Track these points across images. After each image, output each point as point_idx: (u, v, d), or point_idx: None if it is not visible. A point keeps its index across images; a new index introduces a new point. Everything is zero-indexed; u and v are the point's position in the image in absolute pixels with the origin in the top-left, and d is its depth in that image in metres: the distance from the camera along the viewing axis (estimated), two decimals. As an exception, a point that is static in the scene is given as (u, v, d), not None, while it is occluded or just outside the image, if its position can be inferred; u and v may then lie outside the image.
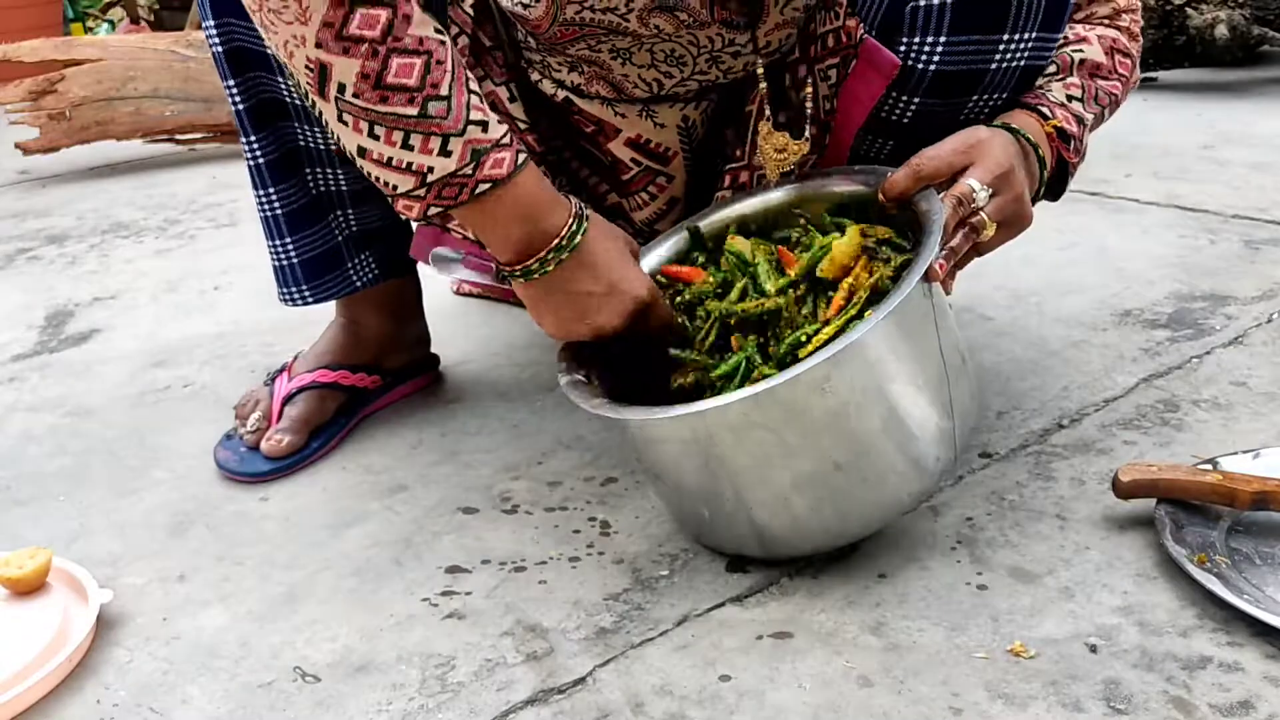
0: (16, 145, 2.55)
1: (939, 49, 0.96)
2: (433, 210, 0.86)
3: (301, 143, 1.08)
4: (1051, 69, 1.03)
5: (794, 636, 0.82)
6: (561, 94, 1.07)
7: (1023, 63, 0.98)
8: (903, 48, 0.97)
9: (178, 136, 2.66)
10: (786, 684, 0.77)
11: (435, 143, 0.82)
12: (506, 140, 0.85)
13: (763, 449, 0.81)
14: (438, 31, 0.82)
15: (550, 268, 0.87)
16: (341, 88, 0.81)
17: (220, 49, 1.02)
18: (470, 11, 1.02)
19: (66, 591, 0.90)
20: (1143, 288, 1.45)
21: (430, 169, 0.83)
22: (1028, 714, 0.73)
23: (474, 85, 0.84)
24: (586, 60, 1.02)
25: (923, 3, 0.94)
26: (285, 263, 1.13)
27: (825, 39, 1.02)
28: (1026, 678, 0.76)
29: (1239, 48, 2.69)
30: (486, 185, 0.84)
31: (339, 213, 1.14)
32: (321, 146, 1.08)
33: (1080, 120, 1.02)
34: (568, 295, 0.89)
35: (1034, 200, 0.99)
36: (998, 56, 0.96)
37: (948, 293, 0.87)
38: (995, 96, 1.00)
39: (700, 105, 1.08)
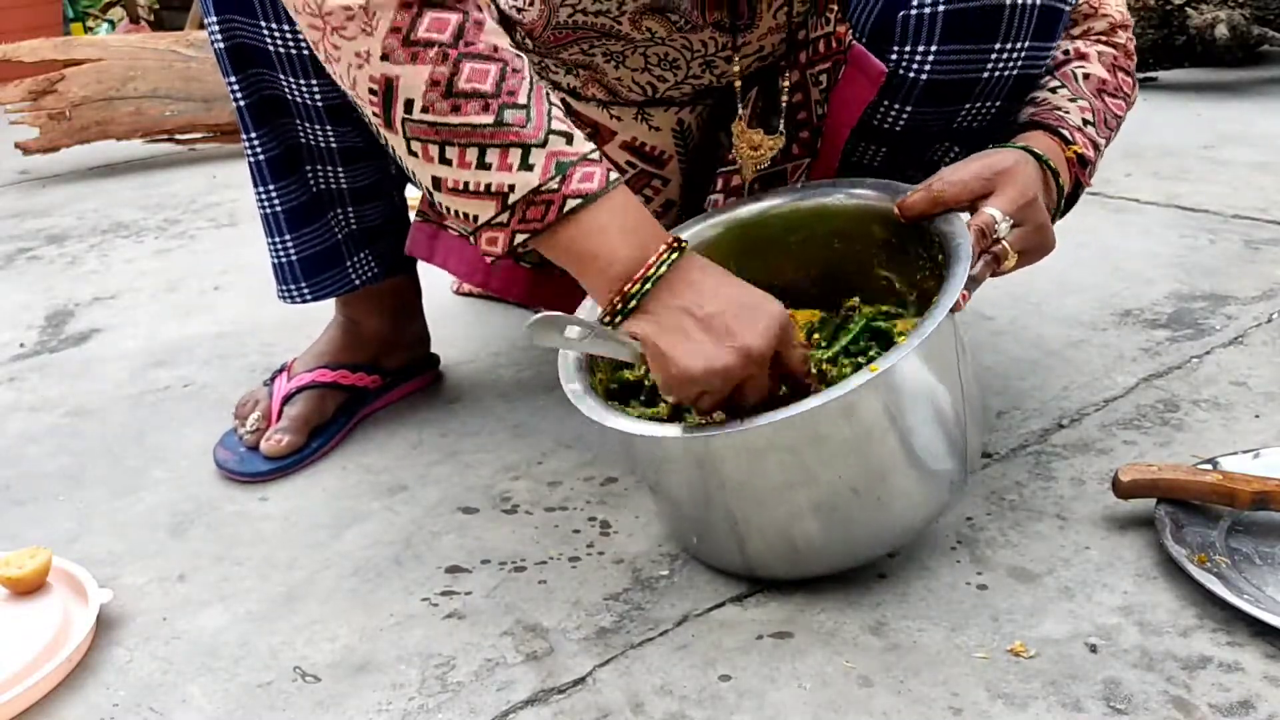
0: (16, 145, 2.55)
1: (930, 58, 0.95)
2: (519, 238, 0.77)
3: (302, 140, 1.08)
4: (1056, 83, 1.02)
5: (794, 636, 0.82)
6: (558, 97, 1.07)
7: (1016, 71, 0.97)
8: (894, 56, 0.97)
9: (178, 136, 2.66)
10: (786, 684, 0.77)
11: (515, 156, 0.75)
12: (595, 156, 0.78)
13: (780, 473, 0.80)
14: (513, 44, 0.78)
15: (649, 287, 0.77)
16: (409, 105, 0.75)
17: (222, 45, 1.02)
18: None
19: (66, 591, 0.90)
20: (1143, 288, 1.45)
21: (512, 186, 0.76)
22: (1028, 714, 0.73)
23: (554, 99, 0.78)
24: (581, 64, 1.02)
25: (914, 11, 0.93)
26: (284, 260, 1.13)
27: (816, 44, 1.02)
28: (1026, 678, 0.76)
29: (1239, 48, 2.69)
30: (576, 201, 0.76)
31: (339, 211, 1.14)
32: (321, 144, 1.08)
33: (1095, 146, 1.00)
34: (694, 321, 0.77)
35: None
36: (990, 65, 0.96)
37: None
38: (989, 105, 1.00)
39: (695, 109, 1.08)
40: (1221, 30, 2.65)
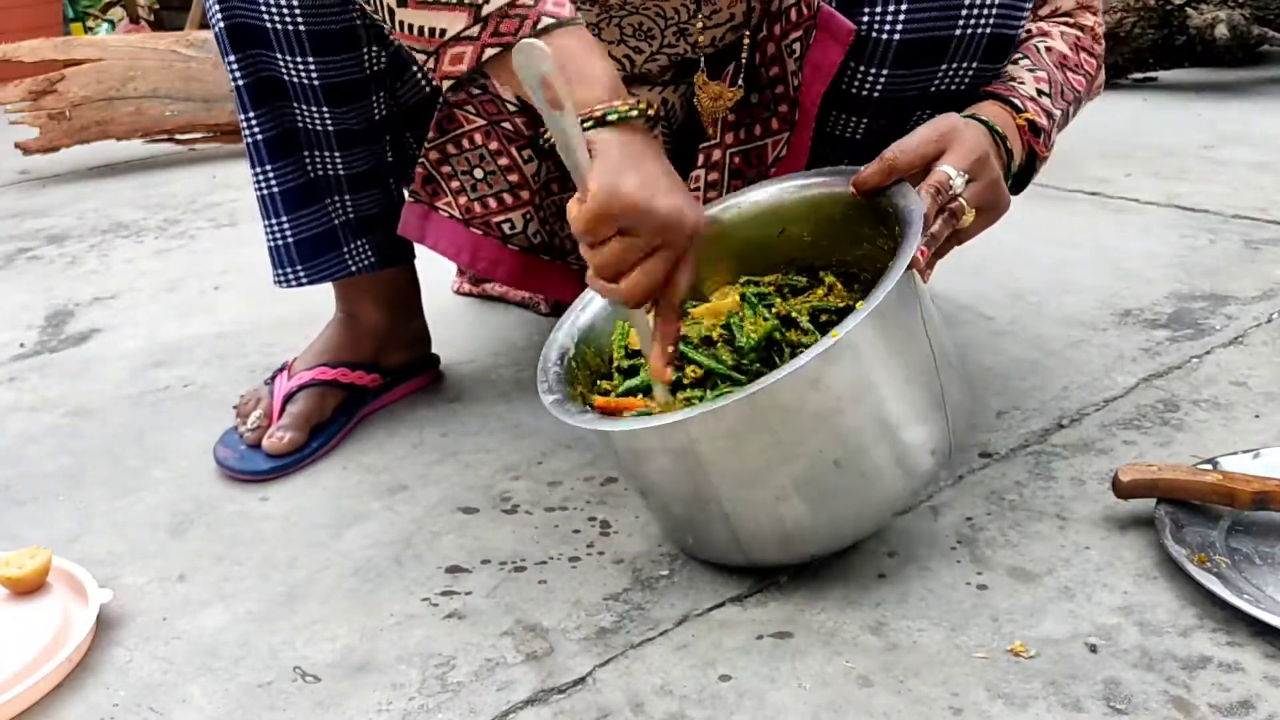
0: (16, 145, 2.55)
1: (901, 17, 0.96)
2: (488, 53, 0.79)
3: (300, 124, 1.09)
4: (1018, 55, 1.04)
5: (794, 636, 0.82)
6: None
7: (989, 29, 0.98)
8: (865, 18, 0.98)
9: (178, 136, 2.66)
10: (786, 684, 0.77)
11: None
12: None
13: (760, 453, 0.80)
14: None
15: (632, 114, 0.79)
16: None
17: (221, 24, 1.02)
18: None
19: (66, 591, 0.90)
20: (1143, 288, 1.45)
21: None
22: (1028, 714, 0.73)
23: None
24: None
25: None
26: (280, 242, 1.13)
27: (789, 13, 1.03)
28: (1026, 678, 0.76)
29: (1239, 48, 2.69)
30: (550, 20, 0.79)
31: (335, 197, 1.14)
32: (318, 127, 1.09)
33: (1049, 115, 1.01)
34: (651, 164, 0.79)
35: None
36: (961, 22, 0.97)
37: (925, 281, 0.86)
38: (964, 65, 1.00)
39: (678, 89, 1.09)
40: (1221, 30, 2.65)
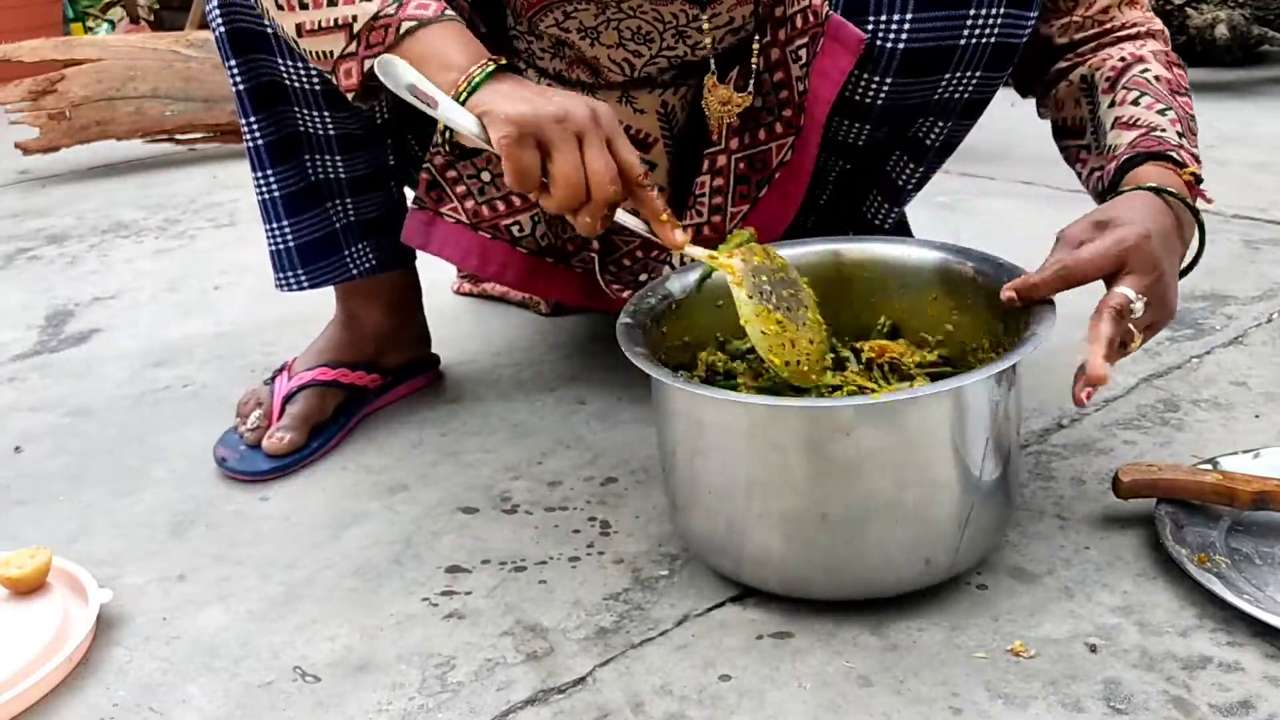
0: (16, 145, 2.55)
1: (906, 25, 0.97)
2: (368, 64, 0.86)
3: (301, 128, 1.09)
4: (1137, 93, 0.97)
5: (794, 636, 0.82)
6: (544, 82, 1.08)
7: (993, 39, 0.98)
8: (870, 26, 0.98)
9: (178, 136, 2.66)
10: (786, 684, 0.77)
11: None
12: None
13: (875, 458, 0.78)
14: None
15: (490, 71, 0.84)
16: None
17: (223, 29, 1.03)
18: None
19: (66, 591, 0.90)
20: (1143, 288, 1.45)
21: (355, 17, 0.86)
22: (1028, 714, 0.73)
23: None
24: (560, 41, 1.03)
25: None
26: (282, 246, 1.13)
27: (794, 19, 1.03)
28: (1026, 678, 0.76)
29: (1239, 48, 2.69)
30: (412, 23, 0.85)
31: (337, 201, 1.14)
32: (319, 131, 1.09)
33: (1196, 157, 0.93)
34: (529, 91, 0.84)
35: (1184, 273, 0.90)
36: (966, 31, 0.97)
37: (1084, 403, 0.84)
38: (967, 75, 1.00)
39: (679, 91, 1.09)
40: (1221, 30, 2.65)
